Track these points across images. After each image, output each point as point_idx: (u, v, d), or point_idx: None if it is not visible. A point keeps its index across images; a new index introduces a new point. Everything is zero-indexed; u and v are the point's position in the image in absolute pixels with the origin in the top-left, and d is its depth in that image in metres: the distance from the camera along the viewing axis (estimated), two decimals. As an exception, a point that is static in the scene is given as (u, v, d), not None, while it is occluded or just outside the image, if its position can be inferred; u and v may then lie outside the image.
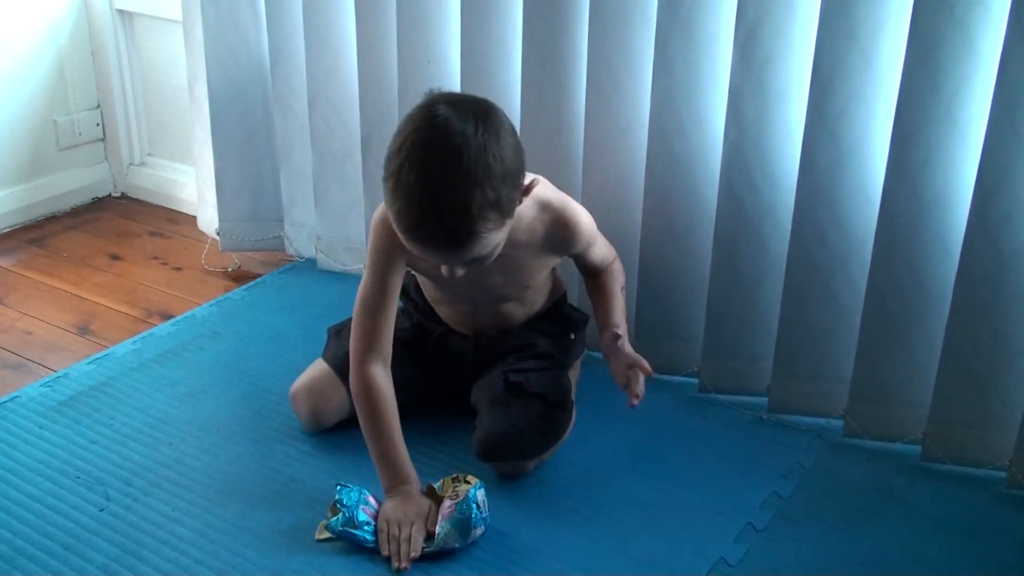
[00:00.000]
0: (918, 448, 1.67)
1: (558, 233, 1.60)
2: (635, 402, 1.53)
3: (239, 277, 2.31)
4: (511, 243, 1.50)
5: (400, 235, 1.38)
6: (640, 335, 1.88)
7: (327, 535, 1.46)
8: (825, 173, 1.61)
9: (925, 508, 1.57)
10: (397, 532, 1.44)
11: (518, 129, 1.86)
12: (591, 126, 1.80)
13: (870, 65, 1.53)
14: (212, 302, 2.16)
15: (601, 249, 1.70)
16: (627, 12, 1.70)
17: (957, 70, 1.46)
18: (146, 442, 1.68)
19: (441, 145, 1.32)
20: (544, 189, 1.58)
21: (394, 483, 1.50)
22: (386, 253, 1.54)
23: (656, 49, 1.68)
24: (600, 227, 1.85)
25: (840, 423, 1.74)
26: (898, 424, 1.70)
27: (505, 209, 1.38)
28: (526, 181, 1.45)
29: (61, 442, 1.67)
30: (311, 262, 2.29)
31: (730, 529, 1.51)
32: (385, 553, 1.43)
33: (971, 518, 1.55)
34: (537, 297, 1.73)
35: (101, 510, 1.52)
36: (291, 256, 2.32)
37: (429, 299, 1.75)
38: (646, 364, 1.52)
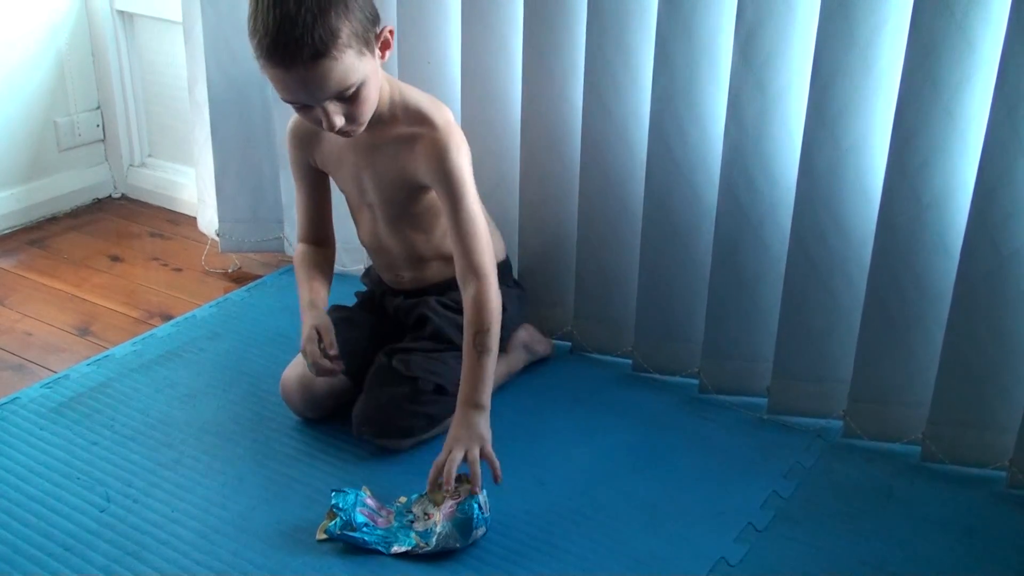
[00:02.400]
0: (918, 448, 1.68)
1: (414, 129, 1.57)
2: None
3: (239, 278, 2.31)
4: (378, 133, 1.57)
5: (259, 63, 1.41)
6: (640, 335, 1.88)
7: (326, 536, 1.47)
8: (825, 173, 1.61)
9: (925, 508, 1.57)
10: (305, 356, 1.63)
11: (518, 127, 1.87)
12: (591, 126, 1.79)
13: (870, 66, 1.53)
14: (212, 303, 2.16)
15: (472, 228, 1.56)
16: (627, 12, 1.70)
17: (957, 70, 1.46)
18: (146, 443, 1.68)
19: None
20: (431, 102, 1.60)
21: (301, 308, 1.69)
22: (295, 159, 1.71)
23: (656, 49, 1.68)
24: (599, 228, 1.86)
25: (840, 424, 1.74)
26: (898, 424, 1.70)
27: (355, 33, 1.40)
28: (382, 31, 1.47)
29: (61, 443, 1.68)
30: (311, 263, 2.29)
31: (730, 529, 1.51)
32: (317, 375, 1.65)
33: (971, 518, 1.55)
34: (431, 226, 1.69)
35: (101, 511, 1.52)
36: (290, 257, 2.32)
37: (362, 243, 1.79)
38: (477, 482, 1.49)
